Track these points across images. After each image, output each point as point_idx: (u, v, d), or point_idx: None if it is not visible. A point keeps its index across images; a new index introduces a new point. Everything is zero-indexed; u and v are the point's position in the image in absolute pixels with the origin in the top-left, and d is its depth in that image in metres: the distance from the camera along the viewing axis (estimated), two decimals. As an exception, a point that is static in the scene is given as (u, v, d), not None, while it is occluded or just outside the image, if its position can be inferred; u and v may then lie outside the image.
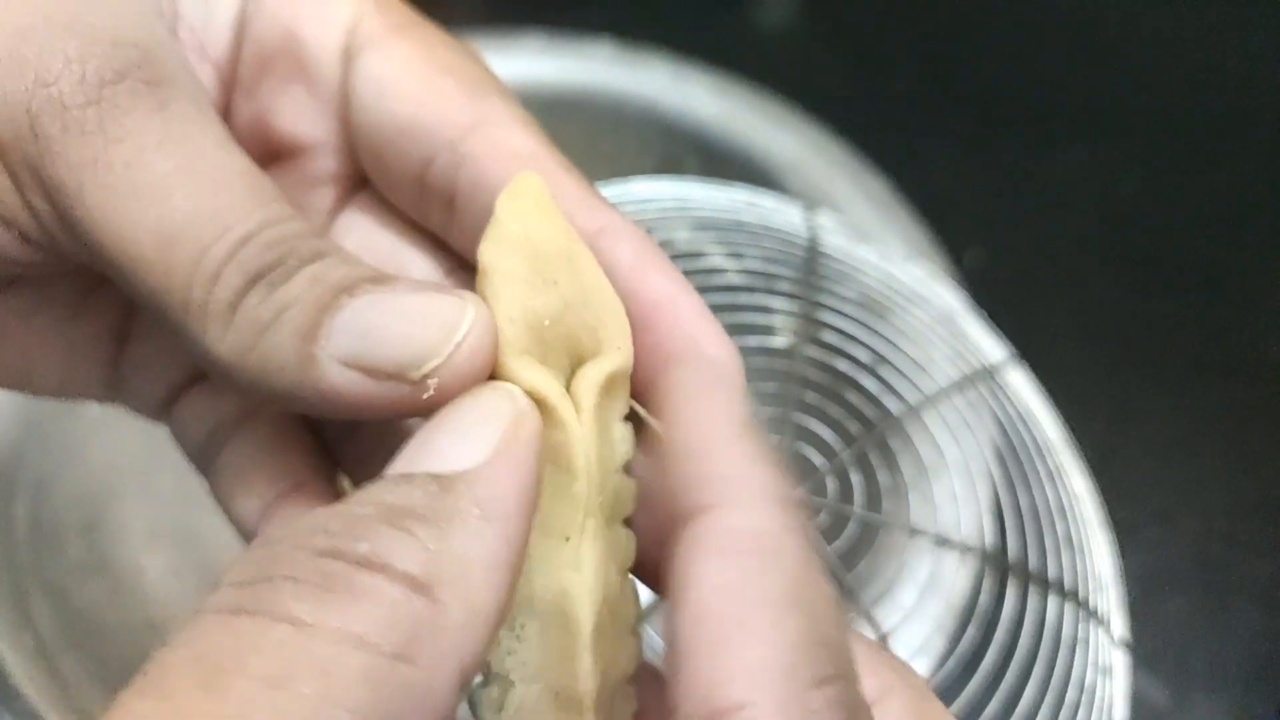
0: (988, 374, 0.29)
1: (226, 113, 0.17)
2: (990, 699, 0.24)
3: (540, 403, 0.13)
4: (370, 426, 0.17)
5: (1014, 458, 0.28)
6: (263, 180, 0.14)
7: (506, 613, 0.12)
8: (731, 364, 0.13)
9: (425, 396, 0.13)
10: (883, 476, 0.25)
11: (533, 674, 0.13)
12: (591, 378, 0.14)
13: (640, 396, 0.15)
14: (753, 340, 0.27)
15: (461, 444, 0.12)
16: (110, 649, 0.33)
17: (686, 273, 0.30)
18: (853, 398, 0.25)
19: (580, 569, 0.13)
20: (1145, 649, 0.37)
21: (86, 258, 0.14)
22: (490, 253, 0.14)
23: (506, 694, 0.13)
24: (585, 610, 0.13)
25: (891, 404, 0.26)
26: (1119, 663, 0.27)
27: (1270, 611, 0.38)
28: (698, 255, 0.35)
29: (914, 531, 0.25)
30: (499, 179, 0.14)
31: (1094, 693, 0.26)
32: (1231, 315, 0.46)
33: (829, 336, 0.27)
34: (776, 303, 0.28)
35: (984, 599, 0.25)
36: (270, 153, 0.17)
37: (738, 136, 0.41)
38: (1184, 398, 0.43)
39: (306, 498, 0.16)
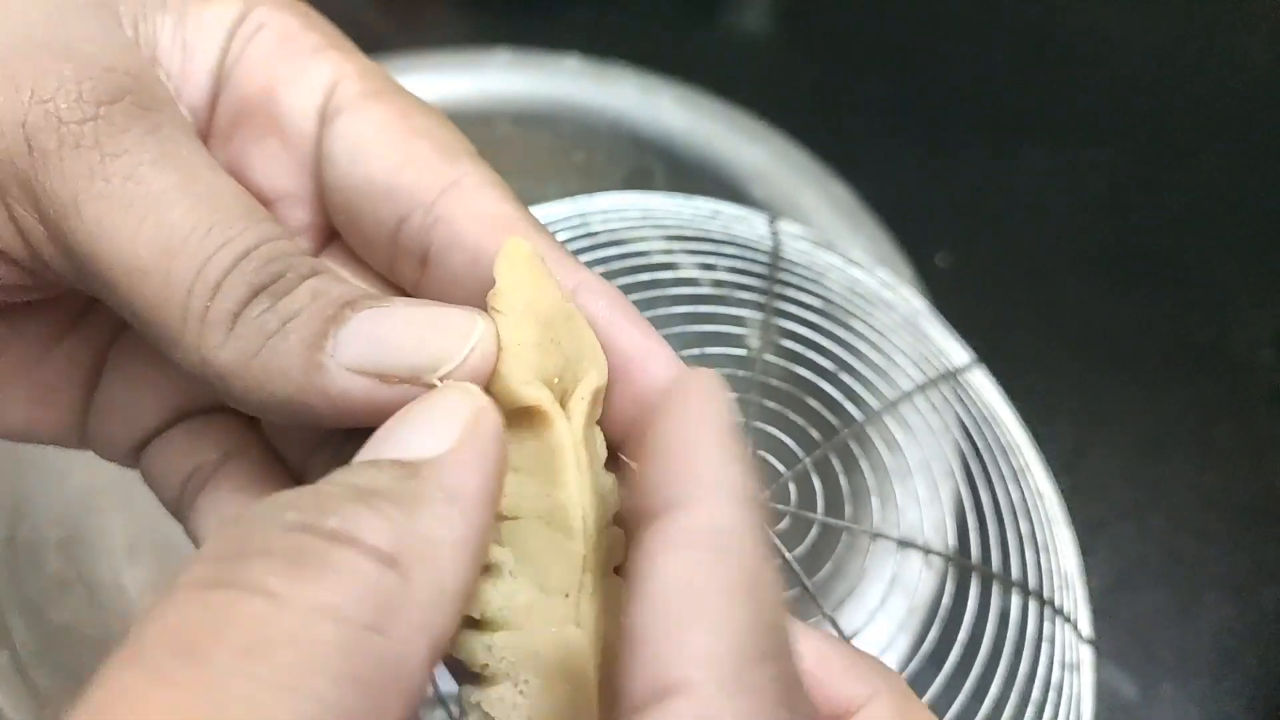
0: (951, 377, 0.29)
1: None
2: (955, 697, 0.24)
3: (543, 415, 0.14)
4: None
5: (977, 459, 0.28)
6: (254, 201, 0.15)
7: (471, 596, 0.12)
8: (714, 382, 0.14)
9: None
10: (845, 481, 0.25)
11: None
12: (578, 394, 0.14)
13: (619, 443, 0.15)
14: (719, 349, 0.28)
15: (425, 434, 0.13)
16: (88, 664, 0.33)
17: (657, 283, 0.30)
18: (815, 404, 0.26)
19: (581, 624, 0.14)
20: (1114, 643, 0.37)
21: (73, 276, 0.14)
22: (506, 328, 0.14)
23: None
24: (590, 664, 0.13)
25: (854, 409, 0.27)
26: (1086, 659, 0.27)
27: (1238, 605, 0.38)
28: (668, 266, 0.35)
29: (876, 535, 0.25)
30: (473, 239, 0.15)
31: (1061, 689, 0.26)
32: (1196, 313, 0.47)
33: (791, 343, 0.27)
34: (742, 312, 0.29)
35: (948, 599, 0.25)
36: None
37: (705, 147, 0.41)
38: (1151, 395, 0.44)
39: None
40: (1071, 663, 0.27)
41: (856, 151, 0.43)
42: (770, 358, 0.26)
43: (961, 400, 0.29)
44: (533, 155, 0.43)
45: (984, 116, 0.55)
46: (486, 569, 0.14)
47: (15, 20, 0.14)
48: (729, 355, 0.27)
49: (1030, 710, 0.25)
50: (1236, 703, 0.36)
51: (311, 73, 0.16)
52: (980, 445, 0.29)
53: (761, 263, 0.29)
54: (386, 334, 0.14)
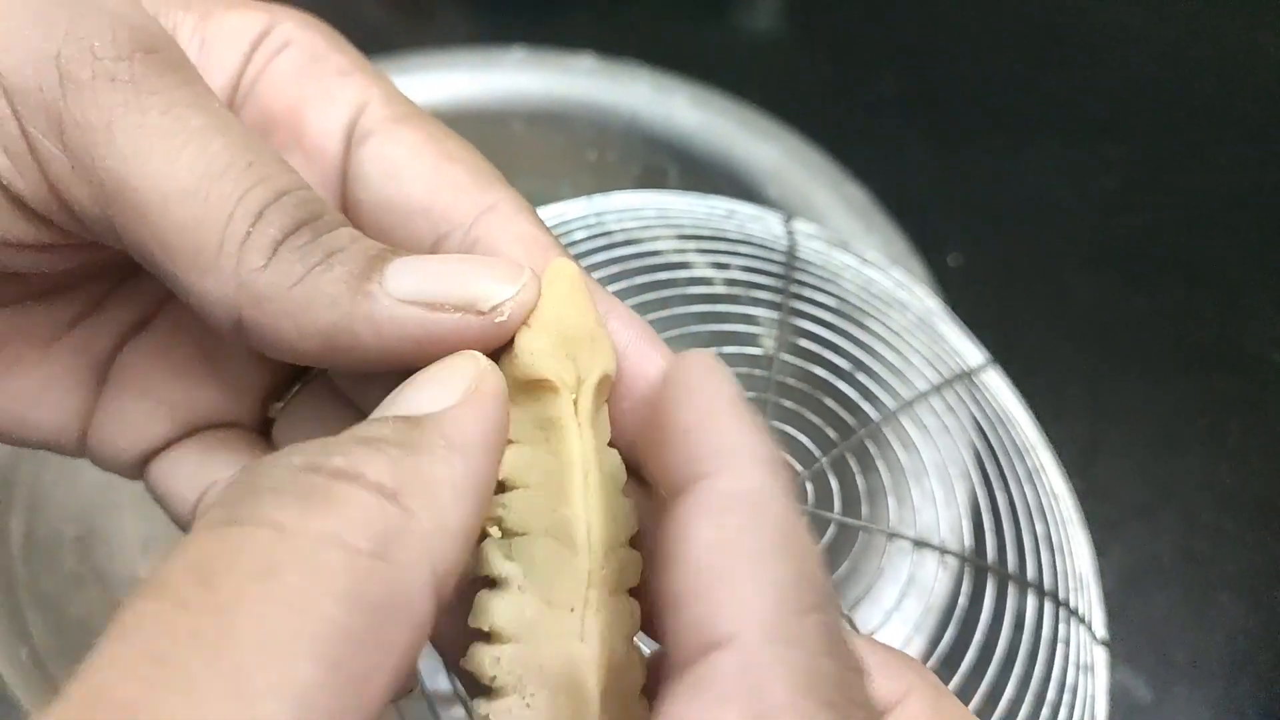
0: (966, 377, 0.29)
1: None
2: (971, 698, 0.24)
3: (556, 427, 0.14)
4: None
5: (993, 459, 0.28)
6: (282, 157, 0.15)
7: (474, 540, 0.13)
8: (712, 359, 0.14)
9: (498, 321, 0.14)
10: (861, 481, 0.25)
11: None
12: (584, 388, 0.15)
13: (639, 466, 0.15)
14: (734, 349, 0.28)
15: (430, 393, 0.13)
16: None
17: (672, 283, 0.30)
18: (831, 403, 0.26)
19: (586, 639, 0.14)
20: (1128, 644, 0.37)
21: (93, 212, 0.14)
22: (525, 338, 0.15)
23: None
24: (593, 679, 0.14)
25: (870, 409, 0.27)
26: (1100, 660, 0.27)
27: (1252, 605, 0.38)
28: (682, 265, 0.35)
29: (892, 534, 0.25)
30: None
31: (1075, 690, 0.26)
32: (1210, 310, 0.47)
33: (807, 343, 0.27)
34: (757, 311, 0.29)
35: (964, 599, 0.25)
36: None
37: (719, 147, 0.41)
38: (1164, 393, 0.44)
39: None
40: (1086, 664, 0.27)
41: (868, 150, 0.43)
42: (786, 357, 0.26)
43: (976, 400, 0.29)
44: (546, 154, 0.43)
45: (996, 114, 0.55)
46: (495, 583, 0.14)
47: None
48: (744, 355, 0.27)
49: (1045, 711, 0.25)
50: (1252, 705, 0.36)
51: (338, 94, 0.17)
52: (995, 445, 0.29)
53: (777, 262, 0.29)
54: (435, 269, 0.14)
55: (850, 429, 0.25)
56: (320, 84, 0.17)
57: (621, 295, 0.28)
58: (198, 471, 0.18)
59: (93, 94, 0.14)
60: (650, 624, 0.15)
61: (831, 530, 0.23)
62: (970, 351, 0.31)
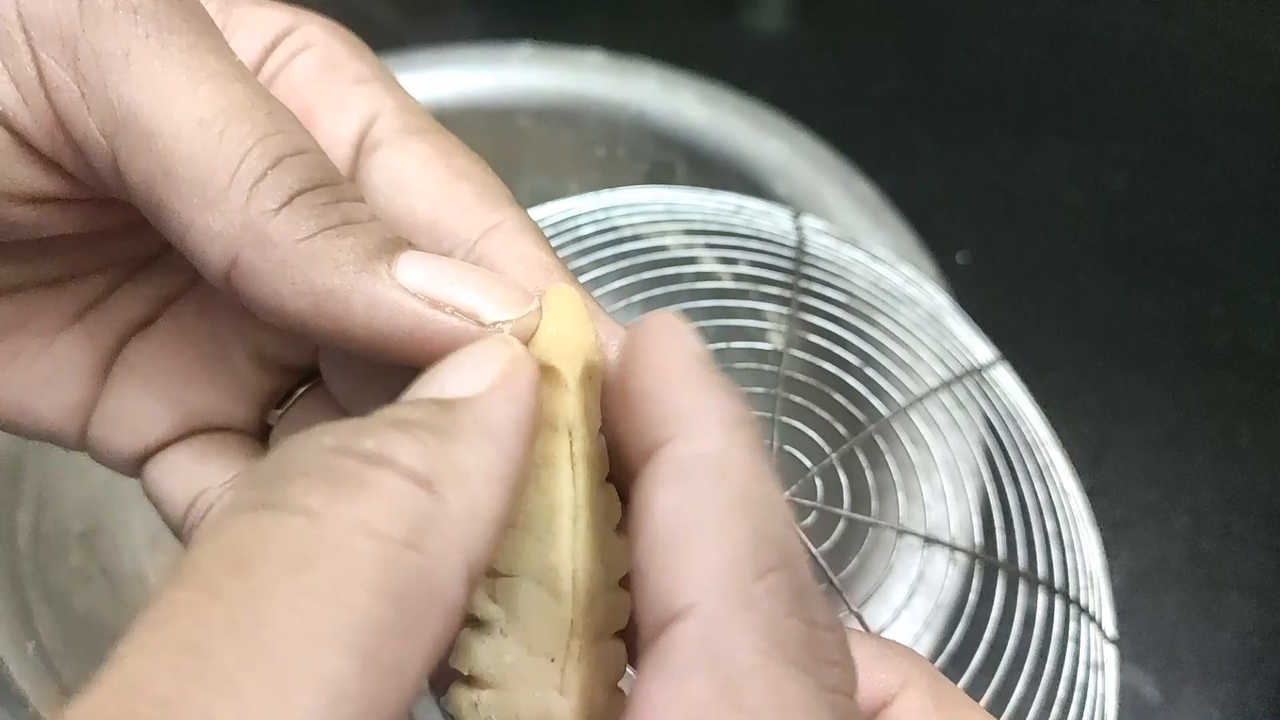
0: (976, 373, 0.29)
1: None
2: (981, 696, 0.24)
3: (549, 463, 0.14)
4: None
5: (1003, 456, 0.28)
6: None
7: (504, 529, 0.12)
8: (672, 318, 0.14)
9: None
10: (871, 477, 0.25)
11: None
12: (579, 426, 0.14)
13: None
14: (742, 344, 0.27)
15: (463, 377, 0.13)
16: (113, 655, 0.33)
17: (680, 278, 0.30)
18: (840, 399, 0.26)
19: (565, 691, 0.13)
20: (1137, 644, 0.37)
21: (100, 145, 0.14)
22: None
23: None
24: None
25: (879, 405, 0.26)
26: (1110, 659, 0.27)
27: (1262, 605, 0.38)
28: (690, 261, 0.35)
29: (902, 531, 0.25)
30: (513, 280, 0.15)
31: (1085, 689, 0.26)
32: (1220, 310, 0.47)
33: (816, 339, 0.27)
34: (766, 307, 0.28)
35: (973, 596, 0.25)
36: None
37: (727, 143, 0.41)
38: (1174, 393, 0.44)
39: None
40: (1096, 662, 0.27)
41: (877, 147, 0.43)
42: (795, 353, 0.26)
43: (986, 397, 0.29)
44: (555, 150, 0.43)
45: (1006, 112, 0.55)
46: (478, 625, 0.14)
47: None
48: (753, 350, 0.27)
49: (1055, 710, 0.25)
50: (1261, 706, 0.36)
51: (352, 102, 0.16)
52: (1005, 442, 0.28)
53: (786, 258, 0.29)
54: (448, 270, 0.14)
55: (859, 424, 0.25)
56: (336, 90, 0.17)
57: (629, 291, 0.28)
58: (192, 476, 0.18)
59: (113, 24, 0.13)
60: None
61: (841, 526, 0.23)
62: (980, 348, 0.31)
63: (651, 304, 0.28)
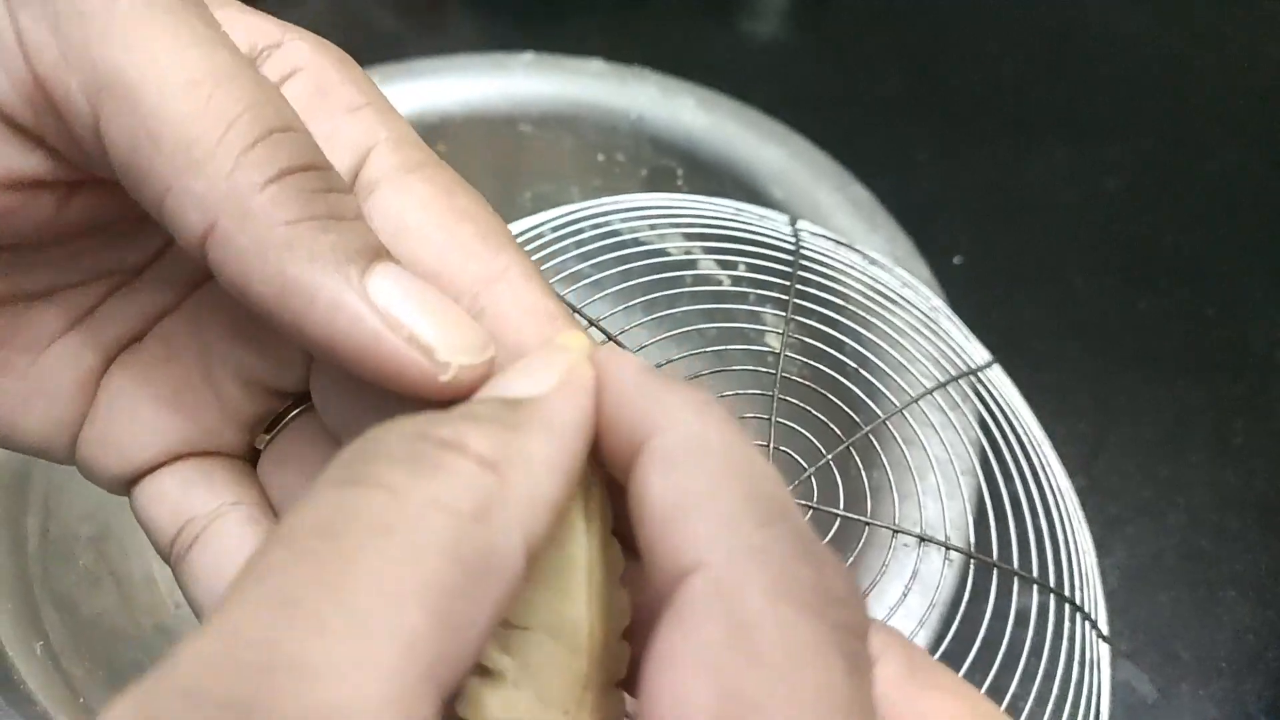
0: (971, 374, 0.30)
1: None
2: (975, 692, 0.24)
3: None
4: None
5: (997, 455, 0.29)
6: None
7: (560, 514, 0.13)
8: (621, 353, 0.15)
9: (442, 379, 0.14)
10: (866, 477, 0.25)
11: None
12: (595, 483, 0.15)
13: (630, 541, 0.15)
14: (741, 346, 0.28)
15: (529, 379, 0.14)
16: (119, 655, 0.33)
17: (678, 281, 0.30)
18: (837, 400, 0.26)
19: None
20: (1132, 642, 0.37)
21: (79, 101, 0.13)
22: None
23: None
24: None
25: (875, 406, 0.27)
26: (1104, 656, 0.27)
27: (1257, 604, 0.38)
28: (689, 265, 0.36)
29: (897, 530, 0.25)
30: (515, 334, 0.15)
31: (1079, 687, 0.26)
32: (1214, 311, 0.47)
33: (813, 341, 0.28)
34: (763, 310, 0.29)
35: (968, 595, 0.25)
36: None
37: (726, 149, 0.42)
38: (1168, 393, 0.44)
39: None
40: (1090, 660, 0.27)
41: (873, 152, 0.43)
42: (792, 355, 0.26)
43: (981, 397, 0.29)
44: (555, 157, 0.44)
45: (1001, 116, 0.55)
46: (489, 674, 0.14)
47: None
48: (751, 352, 0.27)
49: (1049, 708, 0.25)
50: (1257, 704, 0.36)
51: (345, 133, 0.16)
52: (1000, 442, 0.29)
53: (783, 261, 0.29)
54: (416, 294, 0.14)
55: (855, 426, 0.26)
56: (328, 122, 0.16)
57: (630, 294, 0.28)
58: (179, 504, 0.17)
59: None
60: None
61: (836, 526, 0.24)
62: (975, 350, 0.31)
63: (652, 307, 0.29)
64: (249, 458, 0.19)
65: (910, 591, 0.25)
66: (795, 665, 0.11)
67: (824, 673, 0.11)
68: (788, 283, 0.29)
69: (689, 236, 0.31)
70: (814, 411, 0.25)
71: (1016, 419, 0.30)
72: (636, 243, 0.30)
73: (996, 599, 0.25)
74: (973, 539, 0.27)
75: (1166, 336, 0.46)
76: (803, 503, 0.24)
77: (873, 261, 0.32)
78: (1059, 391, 0.43)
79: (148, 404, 0.18)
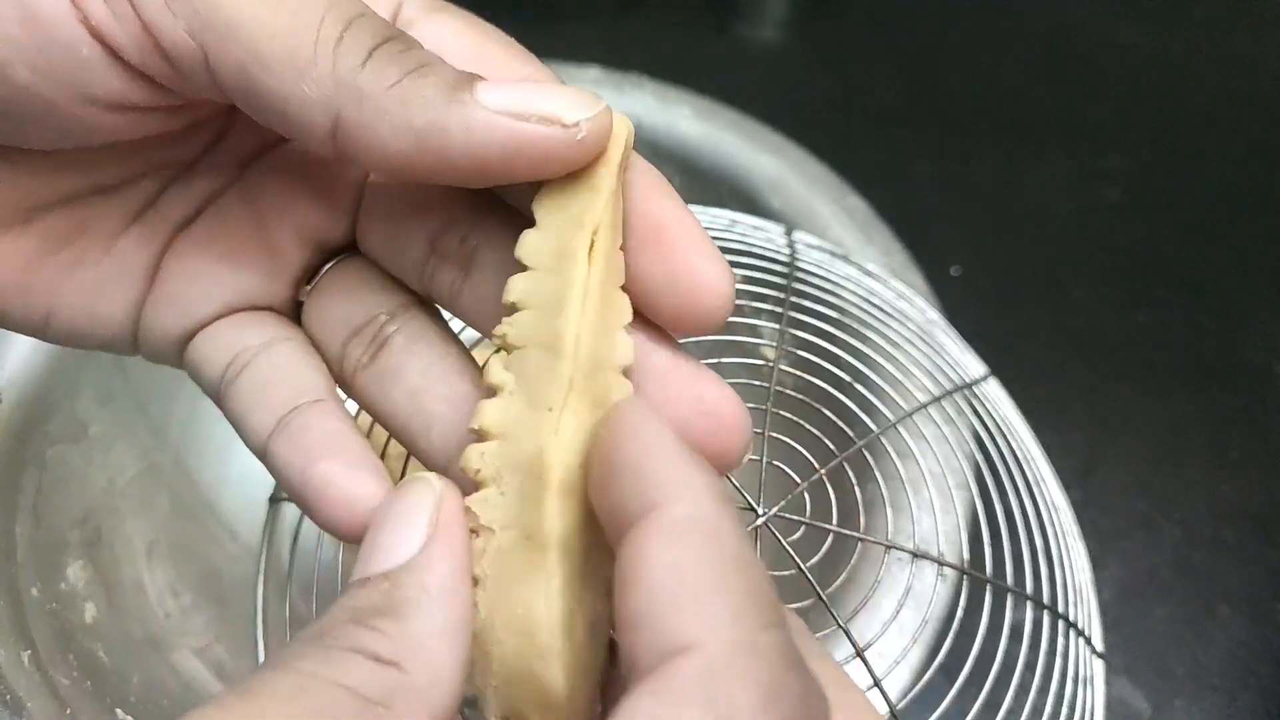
0: (966, 388, 0.29)
1: None
2: (969, 711, 0.24)
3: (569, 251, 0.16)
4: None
5: (991, 471, 0.29)
6: None
7: (468, 665, 0.14)
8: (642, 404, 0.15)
9: (579, 138, 0.15)
10: (860, 492, 0.25)
11: (510, 522, 0.15)
12: (603, 228, 0.16)
13: (645, 309, 0.17)
14: (735, 359, 0.28)
15: (399, 538, 0.15)
16: (109, 664, 0.33)
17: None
18: (830, 414, 0.26)
19: (559, 432, 0.15)
20: (1127, 656, 0.37)
21: (185, 39, 0.15)
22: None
23: (488, 542, 0.15)
24: (555, 463, 0.15)
25: (869, 419, 0.27)
26: (1098, 673, 0.27)
27: (1252, 619, 0.38)
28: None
29: (891, 546, 0.25)
30: None
31: (1073, 704, 0.26)
32: (1210, 323, 0.47)
33: (807, 354, 0.27)
34: (758, 322, 0.29)
35: (962, 611, 0.25)
36: None
37: (722, 158, 0.42)
38: (1165, 406, 0.44)
39: (312, 410, 0.18)
40: (1084, 677, 0.27)
41: (870, 162, 0.43)
42: (786, 368, 0.26)
43: (976, 412, 0.29)
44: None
45: (998, 126, 0.55)
46: (490, 390, 0.16)
47: None
48: (744, 365, 0.27)
49: (1044, 723, 0.25)
50: (1252, 719, 0.36)
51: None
52: (995, 456, 0.29)
53: (779, 273, 0.29)
54: (521, 88, 0.15)
55: (849, 440, 0.25)
56: None
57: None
58: (232, 341, 0.19)
59: None
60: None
61: (829, 541, 0.24)
62: (970, 363, 0.31)
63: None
64: (294, 312, 0.21)
65: (904, 607, 0.25)
66: None
67: None
68: (782, 294, 0.29)
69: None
70: (808, 425, 0.25)
71: (1012, 433, 0.29)
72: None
73: (991, 614, 0.25)
74: (967, 554, 0.27)
75: (1163, 348, 0.46)
76: (795, 518, 0.24)
77: (868, 273, 0.32)
78: (1055, 404, 0.43)
79: (205, 269, 0.20)
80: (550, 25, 0.58)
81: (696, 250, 0.16)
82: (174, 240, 0.20)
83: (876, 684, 0.23)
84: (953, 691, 0.24)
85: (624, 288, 0.16)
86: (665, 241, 0.16)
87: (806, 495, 0.24)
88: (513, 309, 0.16)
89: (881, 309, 0.30)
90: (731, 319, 0.33)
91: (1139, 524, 0.41)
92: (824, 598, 0.23)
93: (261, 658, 0.24)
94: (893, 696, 0.24)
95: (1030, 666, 0.25)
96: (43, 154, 0.18)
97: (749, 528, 0.23)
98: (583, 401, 0.15)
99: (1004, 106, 0.56)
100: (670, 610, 0.12)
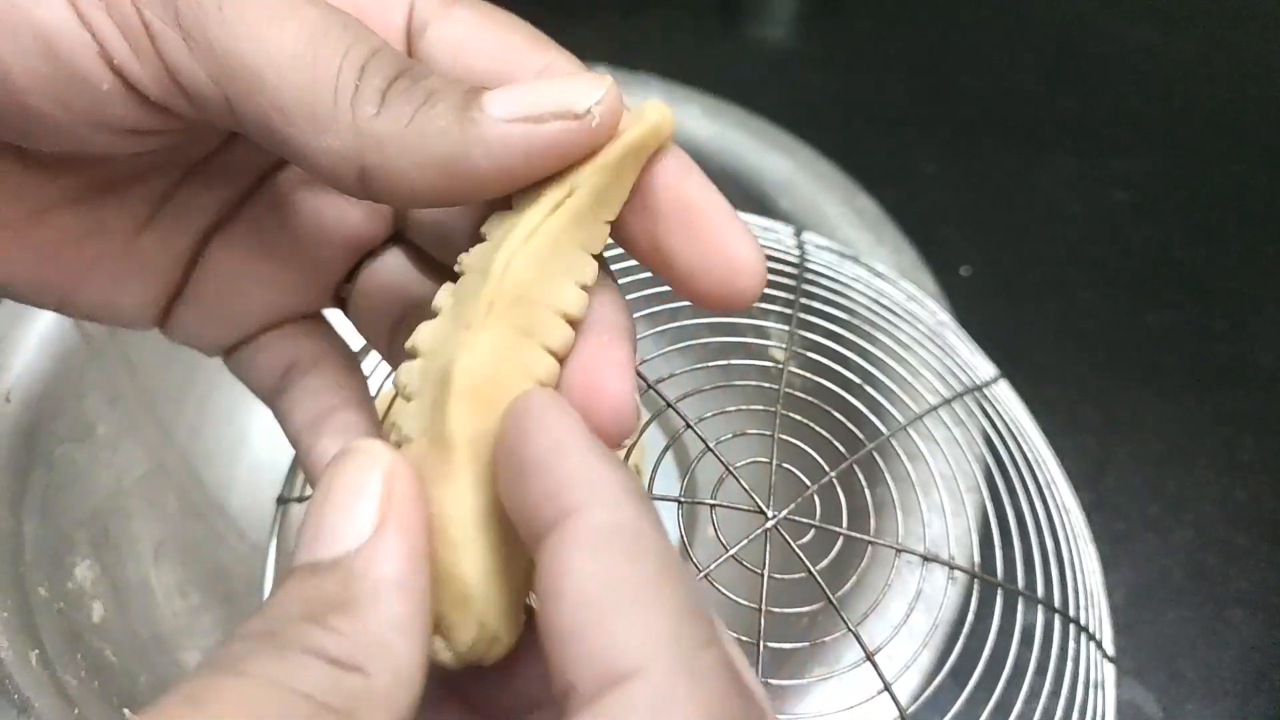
0: (976, 390, 0.29)
1: None
2: (979, 715, 0.24)
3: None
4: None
5: (1002, 473, 0.28)
6: None
7: (429, 654, 0.14)
8: (549, 394, 0.15)
9: (593, 125, 0.15)
10: (870, 494, 0.25)
11: (422, 428, 0.15)
12: (583, 188, 0.16)
13: (637, 252, 0.17)
14: (744, 360, 0.28)
15: (348, 523, 0.14)
16: (115, 663, 0.33)
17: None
18: (840, 416, 0.26)
19: (471, 347, 0.15)
20: (1138, 660, 0.37)
21: (206, 85, 0.15)
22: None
23: (403, 447, 0.15)
24: (460, 370, 0.15)
25: (879, 421, 0.26)
26: (1109, 677, 0.27)
27: (1265, 622, 0.38)
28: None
29: (901, 549, 0.25)
30: None
31: (1084, 707, 0.26)
32: (1221, 325, 0.47)
33: (817, 356, 0.27)
34: (767, 323, 0.29)
35: (972, 614, 0.25)
36: None
37: (731, 158, 0.41)
38: (1175, 408, 0.44)
39: (351, 413, 0.19)
40: (1095, 681, 0.27)
41: (880, 163, 0.43)
42: (795, 369, 0.26)
43: (986, 414, 0.29)
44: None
45: (1008, 128, 0.55)
46: (433, 312, 0.16)
47: None
48: (754, 367, 0.27)
49: (1054, 728, 0.25)
50: (1263, 722, 0.36)
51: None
52: (1005, 459, 0.28)
53: (788, 274, 0.29)
54: (527, 90, 0.15)
55: (859, 442, 0.25)
56: None
57: (633, 306, 0.28)
58: (284, 353, 0.20)
59: None
60: None
61: (839, 544, 0.23)
62: (981, 365, 0.31)
63: (654, 320, 0.29)
64: (335, 304, 0.21)
65: (914, 611, 0.25)
66: None
67: None
68: (792, 296, 0.29)
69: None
70: (817, 427, 0.25)
71: (1022, 436, 0.29)
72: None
73: (1001, 617, 0.25)
74: (977, 557, 0.27)
75: (1174, 351, 0.46)
76: (805, 520, 0.23)
77: (878, 274, 0.32)
78: (1065, 406, 0.43)
79: (250, 280, 0.20)
80: (559, 25, 0.58)
81: (727, 228, 0.16)
82: (207, 246, 0.20)
83: (887, 688, 0.23)
84: (963, 696, 0.24)
85: (598, 257, 0.17)
86: (694, 221, 0.16)
87: (816, 498, 0.24)
88: (480, 239, 0.17)
89: (891, 310, 0.30)
90: (740, 320, 0.33)
91: (1150, 527, 0.40)
92: (834, 601, 0.23)
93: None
94: (903, 701, 0.23)
95: (1041, 670, 0.25)
96: (49, 154, 0.18)
97: (759, 530, 0.23)
98: (502, 325, 0.16)
99: (1014, 107, 0.56)
100: (602, 628, 0.12)
